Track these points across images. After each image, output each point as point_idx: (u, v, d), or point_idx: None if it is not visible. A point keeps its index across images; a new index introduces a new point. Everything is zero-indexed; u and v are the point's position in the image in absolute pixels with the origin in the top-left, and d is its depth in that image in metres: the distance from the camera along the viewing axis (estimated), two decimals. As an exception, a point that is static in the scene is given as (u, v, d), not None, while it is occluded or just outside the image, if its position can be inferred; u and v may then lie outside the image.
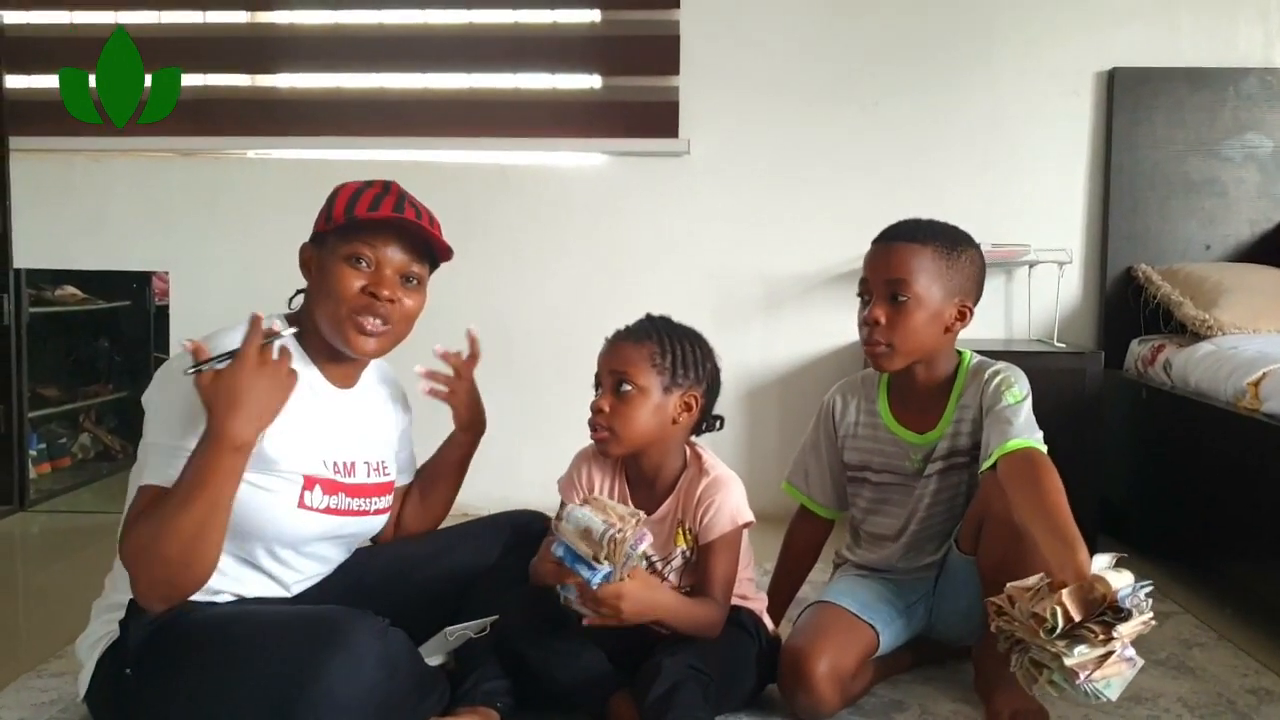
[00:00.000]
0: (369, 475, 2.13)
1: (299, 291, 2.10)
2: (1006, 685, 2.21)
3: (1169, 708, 2.26)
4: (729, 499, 2.16)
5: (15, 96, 4.03)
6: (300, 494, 1.98)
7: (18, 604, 3.15)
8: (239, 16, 4.20)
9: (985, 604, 1.87)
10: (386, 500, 2.19)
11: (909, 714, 2.24)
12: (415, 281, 2.05)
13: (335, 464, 2.05)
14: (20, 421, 4.07)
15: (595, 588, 1.93)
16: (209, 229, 4.09)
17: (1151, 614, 1.74)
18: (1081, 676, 1.72)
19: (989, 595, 2.17)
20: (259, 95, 4.20)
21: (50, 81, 4.05)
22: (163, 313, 4.23)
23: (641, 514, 1.99)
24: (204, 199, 4.10)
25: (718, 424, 2.29)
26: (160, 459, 1.82)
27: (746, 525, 2.19)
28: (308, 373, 2.03)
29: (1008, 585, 1.83)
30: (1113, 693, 1.75)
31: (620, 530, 1.91)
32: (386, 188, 2.04)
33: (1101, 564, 1.78)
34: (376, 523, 2.20)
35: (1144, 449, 3.51)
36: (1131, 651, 1.75)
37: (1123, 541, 3.42)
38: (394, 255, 2.00)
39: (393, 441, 2.26)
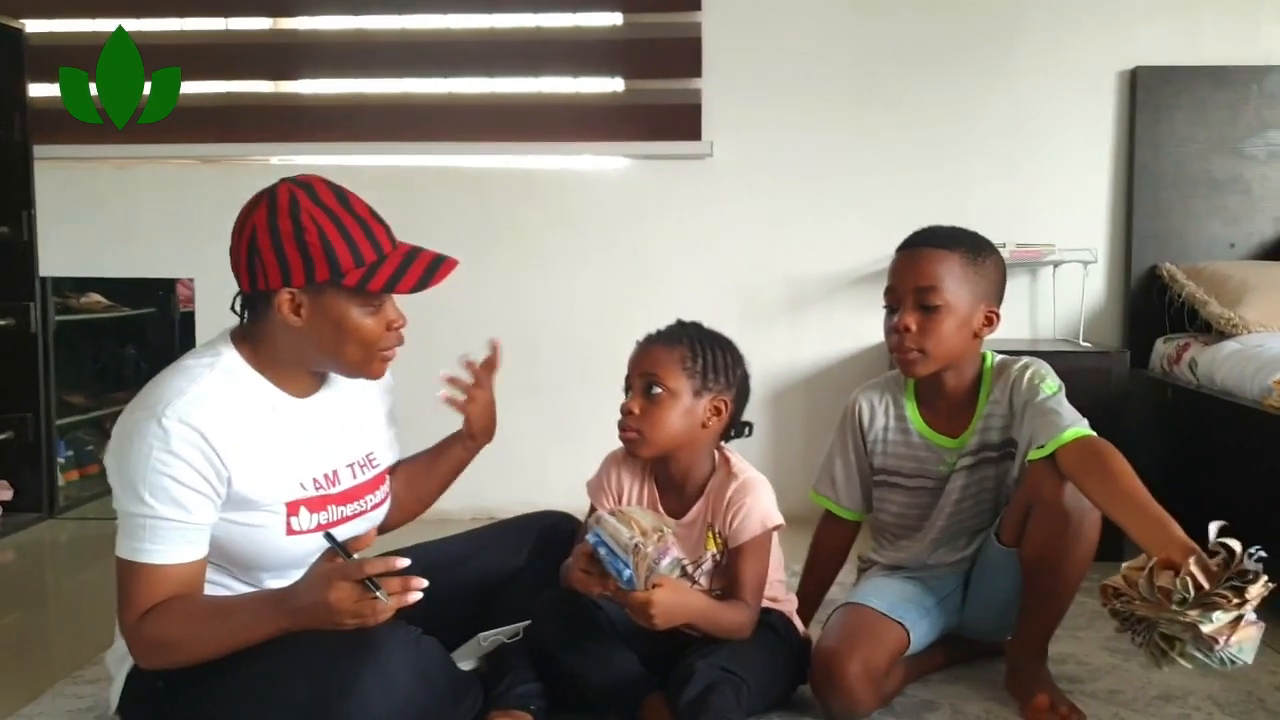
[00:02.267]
0: (355, 476, 2.10)
1: (245, 305, 1.99)
2: (1039, 683, 2.23)
3: (1199, 705, 2.26)
4: (758, 502, 2.17)
5: (40, 105, 4.05)
6: (286, 522, 1.95)
7: (50, 611, 3.17)
8: (261, 23, 4.23)
9: (1099, 589, 1.87)
10: (381, 492, 2.17)
11: (940, 714, 2.24)
12: None
13: (315, 480, 2.01)
14: (48, 429, 4.09)
15: (625, 584, 1.94)
16: (233, 236, 4.09)
17: (1266, 576, 1.74)
18: (1220, 643, 1.72)
19: (1029, 587, 2.20)
20: (282, 102, 4.23)
21: (75, 91, 4.09)
22: (188, 319, 4.25)
23: (668, 528, 2.00)
24: (228, 206, 4.02)
25: (747, 430, 2.29)
26: (137, 531, 1.81)
27: (776, 528, 2.19)
28: (265, 394, 1.97)
29: (1123, 566, 1.83)
30: (1248, 656, 1.76)
31: (645, 542, 1.93)
32: (349, 206, 1.93)
33: (1213, 531, 1.78)
34: (375, 517, 2.16)
35: (1170, 448, 3.50)
36: (1254, 614, 1.75)
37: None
38: None
39: (377, 428, 2.22)
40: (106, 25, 4.13)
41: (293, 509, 1.96)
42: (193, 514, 1.82)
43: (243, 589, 1.97)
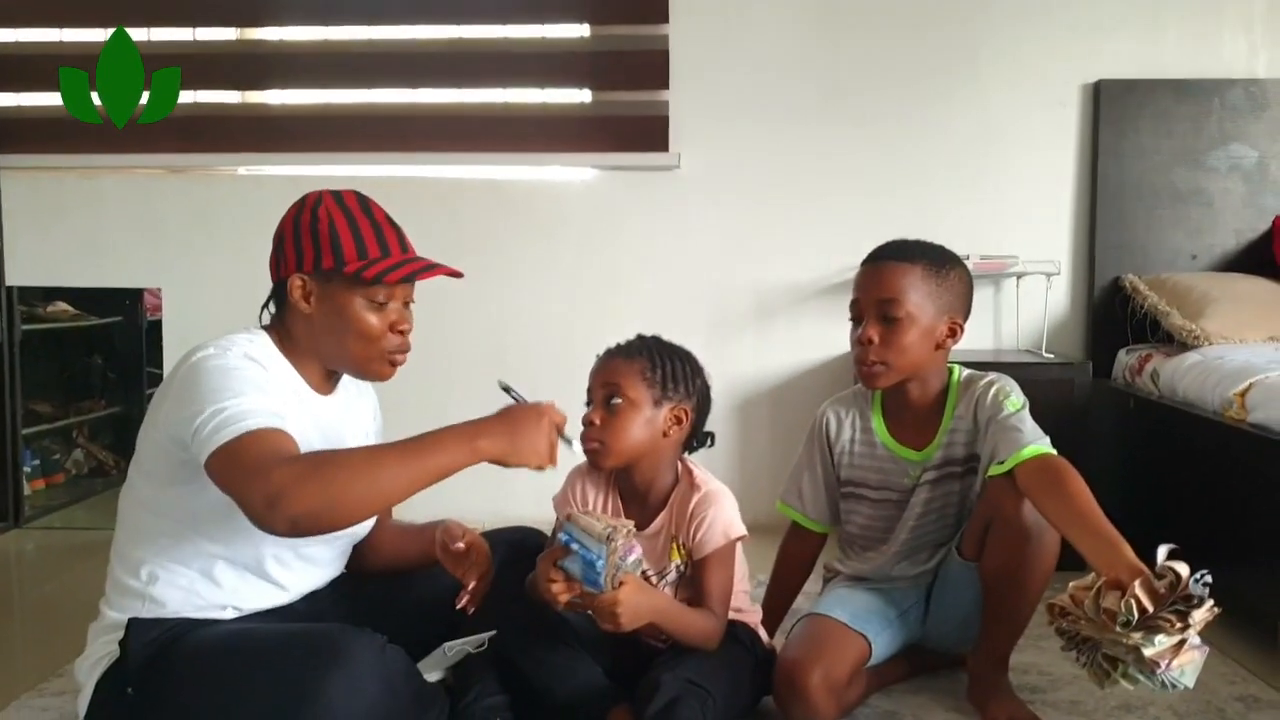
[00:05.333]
0: None
1: (266, 304, 2.11)
2: (1001, 694, 2.25)
3: (1159, 716, 2.29)
4: (720, 514, 2.18)
5: (5, 115, 4.03)
6: None
7: (15, 622, 3.15)
8: (228, 33, 4.22)
9: (1046, 607, 1.90)
10: None
11: (903, 724, 2.26)
12: (413, 300, 2.12)
13: None
14: (14, 438, 4.07)
15: (593, 583, 1.95)
16: (201, 245, 4.10)
17: (1212, 601, 1.76)
18: (1162, 666, 1.74)
19: (990, 600, 2.22)
20: (249, 112, 4.22)
21: (40, 99, 4.09)
22: (155, 328, 4.25)
23: (631, 525, 2.01)
24: (195, 215, 4.11)
25: (709, 441, 2.31)
26: (232, 418, 1.78)
27: (739, 539, 2.21)
28: (292, 380, 2.05)
29: (1070, 585, 1.86)
30: (1188, 680, 1.78)
31: (616, 533, 1.94)
32: (369, 212, 2.07)
33: (1162, 555, 1.80)
34: (366, 523, 2.20)
35: (1132, 458, 3.53)
36: (1199, 639, 1.77)
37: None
38: (406, 290, 2.09)
39: (371, 442, 2.24)
40: (71, 35, 4.13)
41: None
42: (276, 401, 1.87)
43: (231, 573, 1.98)
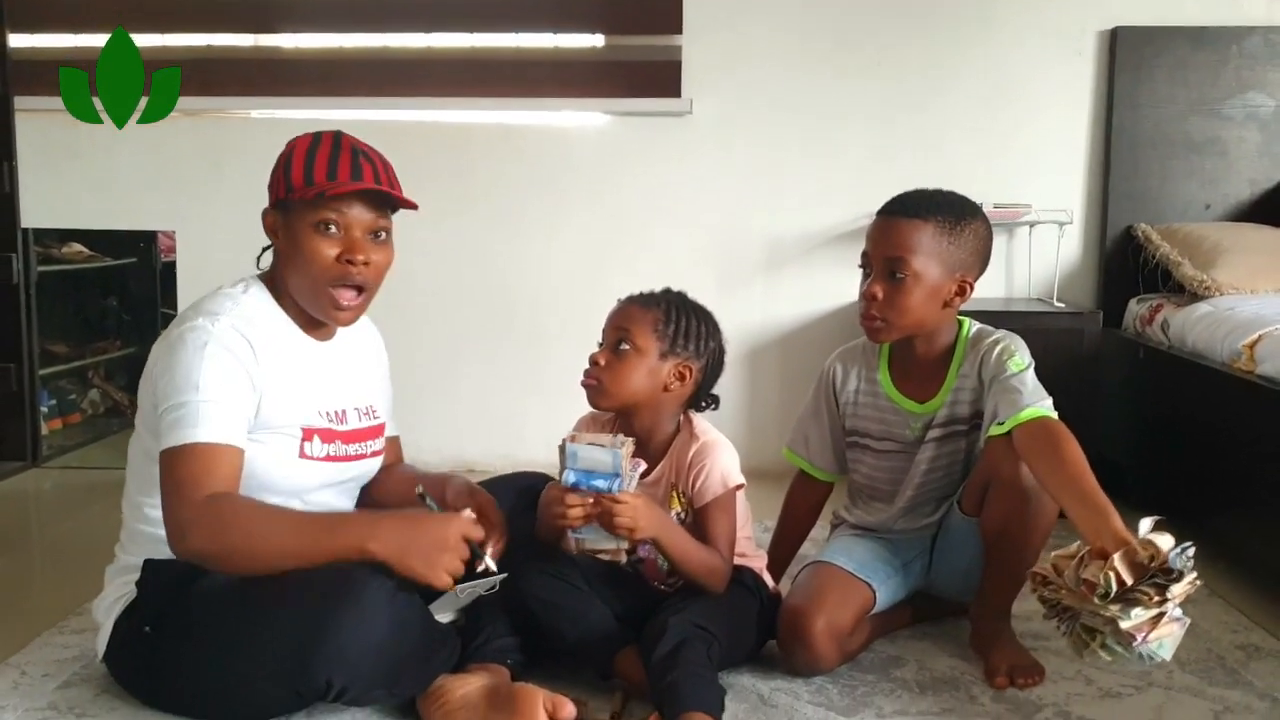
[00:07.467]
0: (360, 420, 2.17)
1: (266, 248, 2.14)
2: (1003, 642, 2.27)
3: (1160, 663, 2.30)
4: (718, 463, 2.21)
5: (20, 56, 4.03)
6: (300, 445, 2.04)
7: (34, 560, 3.20)
8: (242, -25, 4.20)
9: (1028, 575, 1.91)
10: (379, 442, 2.23)
11: (907, 669, 2.28)
12: (383, 235, 2.07)
13: (328, 413, 2.10)
14: (31, 379, 4.10)
15: (618, 472, 1.99)
16: (214, 188, 4.10)
17: (1196, 574, 1.78)
18: (1138, 639, 1.76)
19: (991, 556, 2.24)
20: (262, 55, 4.20)
21: (54, 41, 4.07)
22: (169, 269, 4.28)
23: (632, 441, 2.05)
24: (209, 159, 4.11)
25: (713, 405, 2.33)
26: (188, 418, 1.86)
27: (738, 488, 2.24)
28: (287, 329, 2.09)
29: (1052, 555, 1.88)
30: (1166, 653, 1.80)
31: (623, 440, 2.00)
32: (338, 143, 2.03)
33: (1145, 528, 1.81)
34: (373, 465, 2.24)
35: (1141, 408, 3.54)
36: (1179, 611, 1.79)
37: (1118, 498, 3.45)
38: (362, 215, 2.02)
39: (377, 383, 2.29)
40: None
41: (307, 435, 2.05)
42: (239, 401, 1.92)
43: None
